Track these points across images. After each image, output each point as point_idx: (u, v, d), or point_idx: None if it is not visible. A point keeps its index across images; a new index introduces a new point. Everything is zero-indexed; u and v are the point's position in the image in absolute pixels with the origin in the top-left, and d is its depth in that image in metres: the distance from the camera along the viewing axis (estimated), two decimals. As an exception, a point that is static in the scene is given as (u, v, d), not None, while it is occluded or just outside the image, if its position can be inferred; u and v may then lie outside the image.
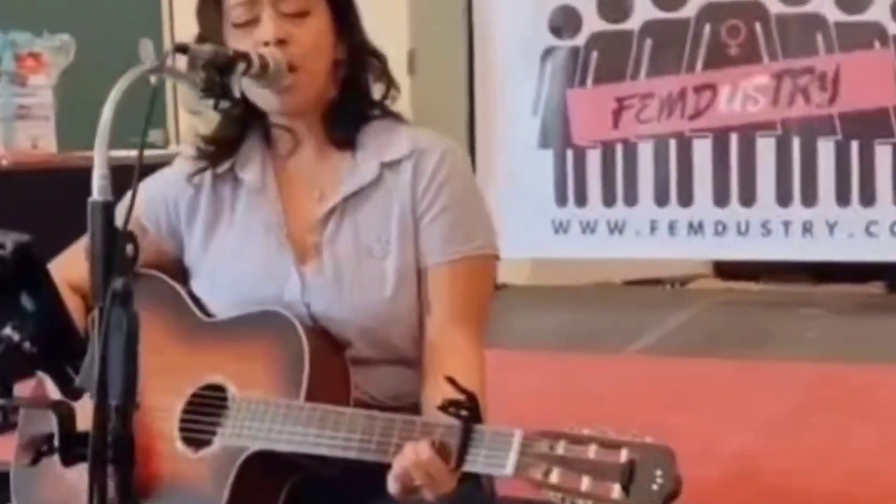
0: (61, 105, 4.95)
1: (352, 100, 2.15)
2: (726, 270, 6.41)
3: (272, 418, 1.92)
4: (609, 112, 5.74)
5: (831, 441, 3.24)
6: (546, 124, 5.85)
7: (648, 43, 5.67)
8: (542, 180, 5.76)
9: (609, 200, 5.78)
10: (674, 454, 1.62)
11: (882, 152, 5.38)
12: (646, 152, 5.71)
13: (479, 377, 2.00)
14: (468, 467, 1.75)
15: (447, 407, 1.74)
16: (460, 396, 1.75)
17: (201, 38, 2.10)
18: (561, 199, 5.80)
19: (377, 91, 2.19)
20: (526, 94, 5.84)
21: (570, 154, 5.82)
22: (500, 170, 5.55)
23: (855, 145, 5.43)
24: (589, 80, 5.77)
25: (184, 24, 7.10)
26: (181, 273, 2.22)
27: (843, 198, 5.46)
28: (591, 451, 1.64)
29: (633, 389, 3.83)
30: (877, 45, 5.36)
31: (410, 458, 1.77)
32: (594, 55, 5.75)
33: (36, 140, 4.87)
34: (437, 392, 1.94)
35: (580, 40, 5.76)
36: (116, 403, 1.67)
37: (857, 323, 5.20)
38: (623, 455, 1.62)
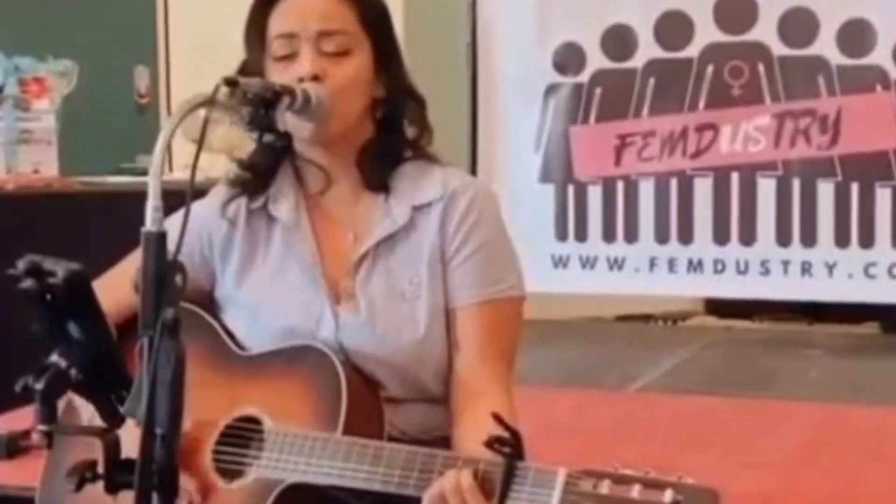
0: (61, 129, 4.97)
1: (388, 141, 2.17)
2: (717, 308, 6.45)
3: (309, 452, 1.93)
4: (611, 149, 5.78)
5: (842, 483, 3.26)
6: (548, 160, 5.88)
7: (651, 81, 5.71)
8: (543, 215, 5.82)
9: (609, 236, 5.81)
10: (718, 496, 1.63)
11: (882, 195, 5.43)
12: (647, 190, 5.75)
13: (510, 418, 2.01)
14: None
15: (491, 443, 1.75)
16: (504, 433, 1.76)
17: (245, 69, 2.12)
18: (561, 234, 5.85)
19: (409, 131, 2.21)
20: (528, 130, 5.88)
21: (571, 190, 5.86)
22: (502, 204, 5.60)
23: (855, 187, 5.47)
24: (592, 117, 5.81)
25: (178, 52, 7.15)
26: (210, 306, 2.23)
27: (842, 239, 5.50)
28: (636, 491, 1.65)
29: (640, 427, 3.85)
30: (878, 88, 5.42)
31: (451, 483, 1.79)
32: (597, 92, 5.79)
33: (38, 164, 4.89)
34: (469, 433, 1.97)
35: (584, 77, 5.80)
36: (163, 432, 1.68)
37: (855, 363, 5.23)
38: (668, 495, 1.63)
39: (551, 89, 5.86)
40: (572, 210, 5.85)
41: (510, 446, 1.76)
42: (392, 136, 2.17)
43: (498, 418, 1.76)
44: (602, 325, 6.41)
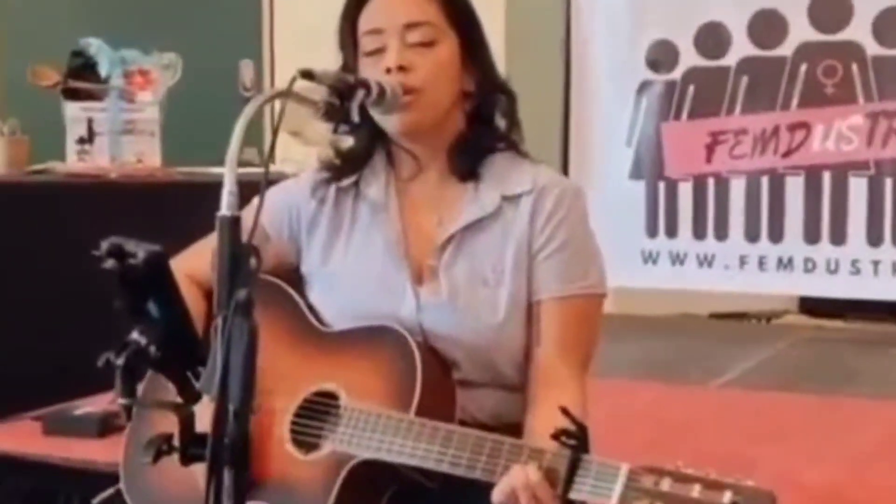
0: (168, 121, 5.08)
1: (480, 134, 2.23)
2: (811, 307, 6.43)
3: (383, 430, 2.00)
4: (702, 146, 5.80)
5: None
6: (640, 156, 5.92)
7: (744, 79, 5.71)
8: (633, 211, 5.85)
9: (699, 233, 5.83)
10: (776, 499, 1.67)
11: (972, 196, 5.41)
12: (738, 187, 5.75)
13: (581, 411, 2.05)
14: (574, 495, 1.82)
15: (559, 435, 1.81)
16: (571, 426, 1.81)
17: (345, 67, 2.20)
18: (651, 231, 5.87)
19: (501, 124, 2.27)
20: (621, 126, 5.91)
21: (662, 186, 5.88)
22: (593, 199, 5.66)
23: (947, 187, 5.45)
24: (684, 114, 5.83)
25: (283, 47, 7.27)
26: (297, 281, 2.31)
27: (934, 239, 5.47)
28: (696, 491, 1.70)
29: (717, 421, 3.86)
30: (972, 88, 5.39)
31: (520, 479, 1.84)
32: (690, 90, 5.81)
33: (141, 155, 4.99)
34: (541, 422, 2.03)
35: (676, 74, 5.82)
36: (235, 408, 1.76)
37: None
38: (727, 497, 1.67)
39: (644, 86, 5.88)
40: (663, 206, 5.87)
41: (576, 439, 1.81)
42: (484, 128, 2.23)
43: (565, 411, 1.81)
44: (693, 321, 6.42)
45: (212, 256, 1.80)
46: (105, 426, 3.45)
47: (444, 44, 2.19)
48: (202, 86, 5.78)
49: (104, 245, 1.85)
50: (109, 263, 1.84)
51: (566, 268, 2.18)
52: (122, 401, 1.89)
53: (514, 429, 2.12)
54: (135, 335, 1.88)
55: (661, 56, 5.84)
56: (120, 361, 1.87)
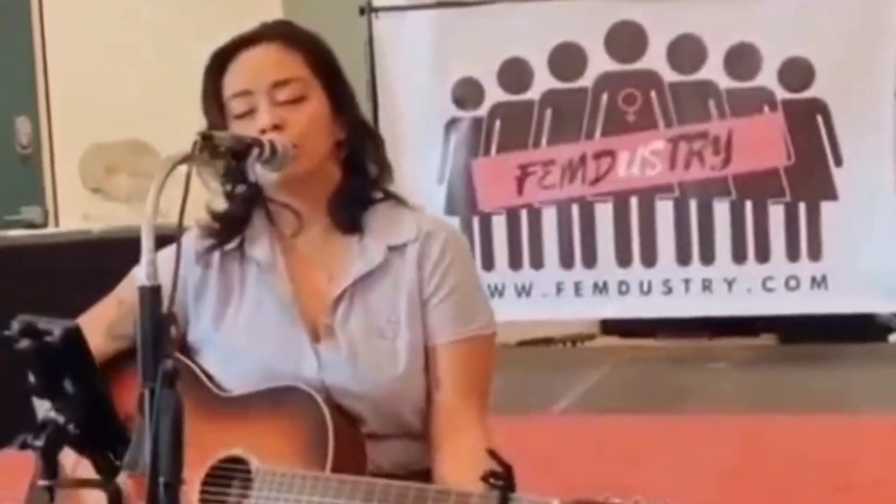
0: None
1: (356, 183, 2.24)
2: (614, 328, 6.60)
3: (300, 489, 1.97)
4: (513, 179, 5.92)
5: (779, 490, 3.37)
6: (452, 192, 6.02)
7: (548, 112, 5.87)
8: (449, 247, 5.90)
9: (516, 264, 5.94)
10: None
11: (775, 211, 5.67)
12: (550, 217, 5.90)
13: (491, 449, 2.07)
14: None
15: (487, 478, 1.82)
16: (496, 467, 1.82)
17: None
18: (469, 265, 5.93)
19: (372, 170, 2.29)
20: (432, 164, 6.01)
21: (476, 221, 5.99)
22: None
23: (749, 205, 5.70)
24: (492, 149, 5.96)
25: (59, 102, 7.11)
26: (185, 350, 2.27)
27: (739, 255, 5.70)
28: None
29: (575, 449, 3.93)
30: (766, 109, 5.65)
31: None
32: (497, 125, 5.93)
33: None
34: (452, 466, 2.05)
35: (483, 111, 5.94)
36: (166, 480, 1.73)
37: (760, 374, 5.41)
38: None
39: (452, 123, 5.99)
40: (478, 240, 5.97)
41: (503, 479, 1.83)
42: (359, 178, 2.25)
43: (493, 453, 1.82)
44: (506, 350, 6.51)
45: (132, 326, 1.77)
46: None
47: (314, 97, 2.20)
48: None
49: (15, 325, 1.80)
50: (24, 343, 1.80)
51: (457, 312, 2.20)
52: (44, 483, 1.83)
53: (423, 476, 2.12)
54: (52, 414, 1.83)
55: (467, 93, 5.96)
56: (39, 443, 1.82)
